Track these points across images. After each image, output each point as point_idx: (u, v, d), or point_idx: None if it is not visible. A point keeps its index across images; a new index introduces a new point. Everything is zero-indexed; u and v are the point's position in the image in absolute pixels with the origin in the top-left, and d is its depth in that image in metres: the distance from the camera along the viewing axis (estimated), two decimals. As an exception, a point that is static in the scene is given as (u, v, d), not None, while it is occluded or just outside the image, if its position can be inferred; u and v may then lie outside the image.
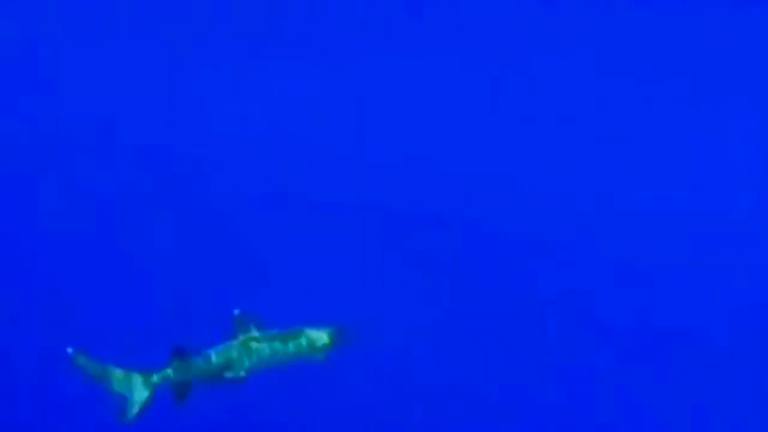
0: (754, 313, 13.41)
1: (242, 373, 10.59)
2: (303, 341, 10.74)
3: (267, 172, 14.68)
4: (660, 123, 14.71)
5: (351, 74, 15.21)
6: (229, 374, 10.56)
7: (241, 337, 10.65)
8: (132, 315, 12.99)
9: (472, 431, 12.84)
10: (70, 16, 15.61)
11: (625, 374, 13.03)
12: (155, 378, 10.43)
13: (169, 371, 10.47)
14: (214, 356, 10.59)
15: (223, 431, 12.57)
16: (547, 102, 14.95)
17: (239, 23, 15.57)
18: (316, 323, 10.89)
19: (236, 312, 10.65)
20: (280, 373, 10.88)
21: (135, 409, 10.34)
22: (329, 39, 15.40)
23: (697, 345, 13.08)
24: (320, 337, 10.80)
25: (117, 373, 10.38)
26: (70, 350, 10.29)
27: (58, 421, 12.69)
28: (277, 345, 10.68)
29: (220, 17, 15.61)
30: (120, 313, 13.05)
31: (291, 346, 10.71)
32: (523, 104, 14.96)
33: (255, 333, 10.66)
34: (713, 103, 14.61)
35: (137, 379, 10.38)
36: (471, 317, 13.37)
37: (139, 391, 10.37)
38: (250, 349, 10.63)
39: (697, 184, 14.29)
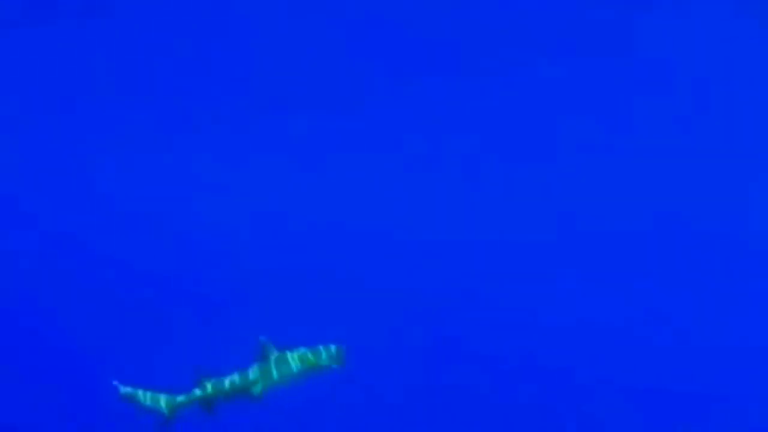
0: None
1: (262, 392, 12.10)
2: (322, 353, 12.20)
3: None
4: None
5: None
6: (251, 393, 12.13)
7: (264, 360, 12.17)
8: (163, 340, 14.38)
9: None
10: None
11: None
12: (182, 398, 12.02)
13: (197, 392, 12.08)
14: (238, 378, 12.17)
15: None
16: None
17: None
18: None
19: (262, 338, 12.19)
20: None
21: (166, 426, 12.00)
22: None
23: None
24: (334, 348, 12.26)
25: (152, 396, 11.96)
26: (116, 383, 11.80)
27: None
28: (297, 362, 12.17)
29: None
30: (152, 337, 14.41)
31: (312, 359, 12.18)
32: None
33: (276, 355, 12.17)
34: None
35: (168, 400, 11.96)
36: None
37: (169, 410, 11.97)
38: (271, 370, 12.16)
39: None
